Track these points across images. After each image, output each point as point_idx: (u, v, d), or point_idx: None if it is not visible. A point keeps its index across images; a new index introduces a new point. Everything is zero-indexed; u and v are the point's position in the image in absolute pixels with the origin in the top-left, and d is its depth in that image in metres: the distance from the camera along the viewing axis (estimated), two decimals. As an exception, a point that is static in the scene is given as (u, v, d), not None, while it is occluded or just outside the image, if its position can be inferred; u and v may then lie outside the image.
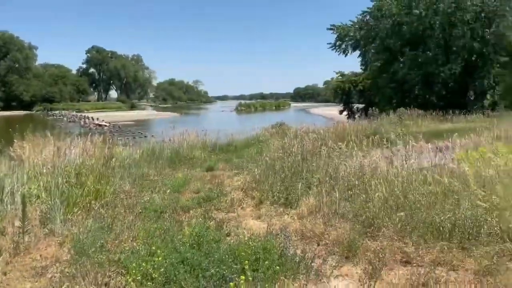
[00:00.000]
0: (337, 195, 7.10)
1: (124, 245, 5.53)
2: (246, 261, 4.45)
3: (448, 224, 5.51)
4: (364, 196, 7.02)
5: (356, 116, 48.96)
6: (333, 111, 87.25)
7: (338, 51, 44.33)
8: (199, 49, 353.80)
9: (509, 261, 4.77)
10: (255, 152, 13.96)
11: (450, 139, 16.00)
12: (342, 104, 51.70)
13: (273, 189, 8.34)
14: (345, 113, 50.40)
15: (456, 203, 6.00)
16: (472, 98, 34.52)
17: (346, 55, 44.21)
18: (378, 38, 37.58)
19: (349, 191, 7.48)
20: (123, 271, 4.74)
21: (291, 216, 7.08)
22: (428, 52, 34.14)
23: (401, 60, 36.38)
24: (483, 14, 31.59)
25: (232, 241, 5.64)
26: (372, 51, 41.42)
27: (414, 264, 4.93)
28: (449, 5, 32.09)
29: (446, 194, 6.44)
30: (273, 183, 8.67)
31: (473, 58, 33.64)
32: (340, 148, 10.62)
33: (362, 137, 12.68)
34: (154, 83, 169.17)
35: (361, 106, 49.59)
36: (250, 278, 4.16)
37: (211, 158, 14.47)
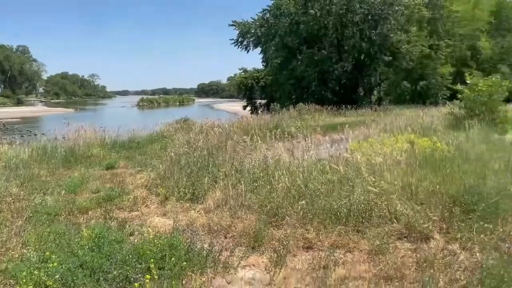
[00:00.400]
0: (243, 188, 7.21)
1: (12, 252, 4.98)
2: (152, 260, 4.29)
3: (345, 210, 5.93)
4: (268, 187, 7.24)
5: (259, 111, 50.49)
6: (237, 106, 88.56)
7: (240, 48, 45.06)
8: (96, 42, 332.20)
9: (397, 240, 5.30)
10: (159, 148, 13.56)
11: (344, 132, 17.25)
12: (245, 100, 52.75)
13: (179, 185, 8.18)
14: (248, 108, 51.49)
15: (351, 189, 6.48)
16: (361, 94, 37.65)
17: (248, 51, 45.14)
18: (278, 36, 38.97)
19: (255, 183, 7.65)
20: (11, 281, 4.26)
21: (198, 211, 7.01)
22: (323, 50, 36.33)
23: (299, 57, 38.20)
24: (369, 17, 34.49)
25: (136, 240, 5.40)
26: (273, 48, 42.81)
27: (316, 249, 5.22)
28: (341, 7, 34.44)
29: (342, 182, 6.93)
30: (178, 179, 8.50)
31: (362, 57, 36.64)
32: (244, 142, 10.83)
33: (265, 131, 13.10)
34: (44, 76, 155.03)
35: (263, 101, 51.17)
36: (156, 277, 4.02)
37: (111, 156, 13.67)
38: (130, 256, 4.56)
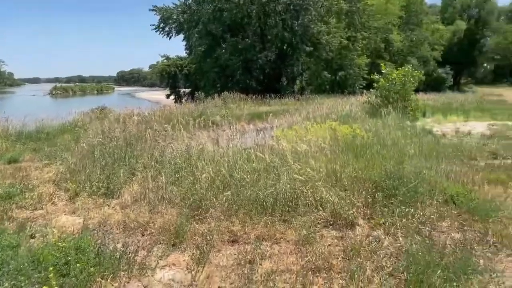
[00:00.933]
0: (163, 180, 6.70)
1: None
2: (51, 267, 3.68)
3: (271, 199, 5.72)
4: (191, 178, 6.81)
5: (183, 100, 49.25)
6: (159, 95, 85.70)
7: (162, 34, 43.28)
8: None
9: (323, 228, 5.20)
10: (71, 139, 12.38)
11: (268, 120, 17.22)
12: (168, 88, 51.13)
13: (92, 179, 7.42)
14: (172, 97, 50.02)
15: (277, 178, 6.29)
16: (285, 83, 38.24)
17: (170, 38, 43.46)
18: (201, 22, 38.04)
19: (176, 174, 7.17)
20: None
21: (112, 207, 6.37)
22: (247, 39, 36.21)
23: (223, 46, 37.74)
24: (291, 7, 34.95)
25: (36, 244, 4.69)
26: (196, 35, 41.79)
27: (241, 242, 4.93)
28: (263, -4, 34.52)
29: (268, 170, 6.72)
30: (91, 172, 7.72)
31: (284, 47, 37.13)
32: (166, 131, 10.23)
33: (188, 119, 12.55)
34: None
35: (187, 90, 49.98)
36: (56, 287, 3.45)
37: (15, 148, 12.24)
38: (27, 264, 3.90)
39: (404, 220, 5.07)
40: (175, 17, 41.98)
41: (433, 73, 55.75)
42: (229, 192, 6.04)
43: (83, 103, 53.95)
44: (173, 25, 42.98)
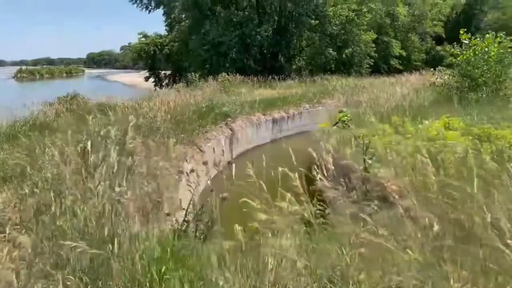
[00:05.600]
0: None
1: None
2: None
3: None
4: None
5: (164, 84, 43.79)
6: (134, 77, 79.46)
7: (140, 7, 37.63)
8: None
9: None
10: (21, 157, 7.38)
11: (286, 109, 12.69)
12: (148, 70, 45.56)
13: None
14: (152, 80, 44.58)
15: None
16: (284, 62, 33.52)
17: (150, 11, 37.90)
18: (185, -9, 32.73)
19: None
20: None
21: None
22: (241, 11, 31.18)
23: (213, 19, 32.64)
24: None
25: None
26: (179, 7, 36.38)
27: None
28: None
29: None
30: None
31: (284, 20, 32.37)
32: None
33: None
34: None
35: (168, 72, 44.56)
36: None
37: None
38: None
39: None
40: (153, -14, 36.44)
41: (431, 51, 52.17)
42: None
43: (49, 88, 47.89)
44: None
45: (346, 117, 3.97)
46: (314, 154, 4.69)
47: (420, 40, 49.33)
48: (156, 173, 5.42)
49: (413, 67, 44.99)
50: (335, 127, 9.51)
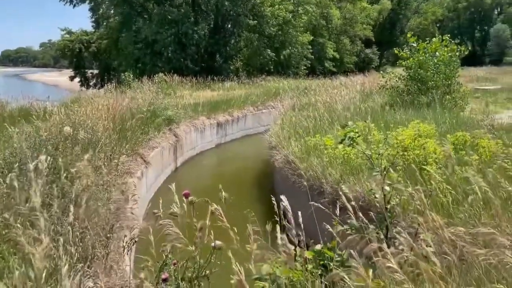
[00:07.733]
0: None
1: None
2: None
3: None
4: None
5: (92, 84, 40.78)
6: (56, 77, 73.77)
7: (63, 1, 34.41)
8: None
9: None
10: None
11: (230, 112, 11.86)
12: (72, 69, 42.06)
13: None
14: (77, 79, 41.24)
15: None
16: (221, 62, 32.50)
17: (75, 6, 34.80)
18: (114, -14, 30.45)
19: None
20: None
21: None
22: (176, 9, 29.63)
23: (146, 16, 30.73)
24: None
25: None
26: (107, 2, 33.90)
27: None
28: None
29: None
30: None
31: (222, 19, 31.35)
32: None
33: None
34: None
35: (96, 71, 41.53)
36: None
37: None
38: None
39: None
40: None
41: (360, 54, 54.20)
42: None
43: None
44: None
45: (353, 133, 3.27)
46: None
47: (351, 42, 50.85)
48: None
49: (345, 69, 46.38)
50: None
